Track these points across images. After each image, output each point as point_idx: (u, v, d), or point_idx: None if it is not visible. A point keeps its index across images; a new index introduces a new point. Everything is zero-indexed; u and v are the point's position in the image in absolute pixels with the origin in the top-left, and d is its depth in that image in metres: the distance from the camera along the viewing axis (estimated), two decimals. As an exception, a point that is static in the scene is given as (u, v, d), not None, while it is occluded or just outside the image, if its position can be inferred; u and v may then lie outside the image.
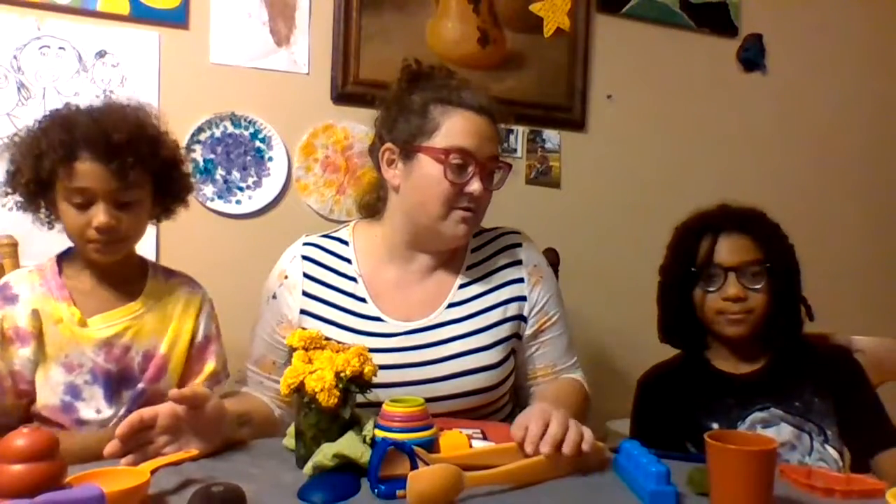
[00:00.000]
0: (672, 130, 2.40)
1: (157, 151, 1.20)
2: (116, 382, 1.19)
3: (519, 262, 1.33)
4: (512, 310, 1.29)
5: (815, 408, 1.28)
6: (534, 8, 2.20)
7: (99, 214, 1.14)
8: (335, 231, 1.37)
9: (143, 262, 1.31)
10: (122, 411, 1.18)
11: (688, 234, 1.36)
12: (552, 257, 1.84)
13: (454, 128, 1.21)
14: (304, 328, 1.22)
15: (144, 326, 1.23)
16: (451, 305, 1.28)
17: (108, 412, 1.18)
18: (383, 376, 1.07)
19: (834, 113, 2.62)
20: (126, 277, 1.25)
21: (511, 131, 2.15)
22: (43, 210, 1.21)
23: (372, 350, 1.14)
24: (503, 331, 1.28)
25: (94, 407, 1.18)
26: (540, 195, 2.23)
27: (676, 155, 2.40)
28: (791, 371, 1.31)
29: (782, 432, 1.27)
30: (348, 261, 1.31)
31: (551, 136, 2.24)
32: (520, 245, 1.35)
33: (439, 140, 1.21)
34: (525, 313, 1.30)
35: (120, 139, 1.14)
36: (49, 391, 1.16)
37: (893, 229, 2.71)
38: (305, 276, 1.29)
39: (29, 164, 1.14)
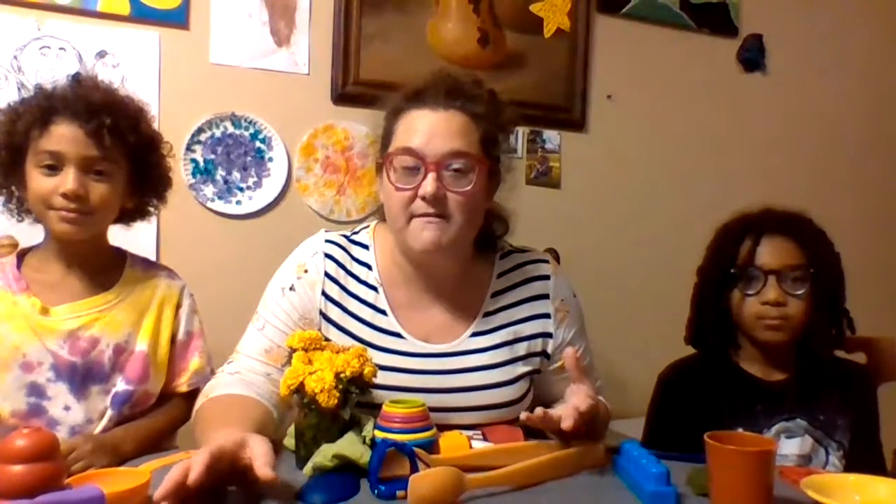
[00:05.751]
0: (672, 130, 2.40)
1: (136, 125, 1.18)
2: (83, 377, 1.15)
3: (546, 296, 1.25)
4: (536, 346, 1.23)
5: (836, 423, 1.27)
6: (534, 8, 2.20)
7: (68, 180, 1.10)
8: (354, 233, 1.27)
9: (119, 252, 1.26)
10: (111, 412, 1.15)
11: (729, 234, 1.32)
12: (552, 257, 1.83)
13: (403, 130, 1.14)
14: (323, 334, 1.14)
15: (115, 318, 1.18)
16: (475, 334, 1.21)
17: (77, 409, 1.15)
18: (397, 397, 1.05)
19: (834, 113, 2.62)
20: (98, 268, 1.20)
21: (511, 131, 2.15)
22: (15, 196, 1.19)
23: (389, 368, 1.12)
24: (524, 366, 1.22)
25: (61, 404, 1.14)
26: (540, 195, 2.22)
27: (676, 155, 2.40)
28: (819, 384, 1.28)
29: (804, 444, 1.25)
30: (368, 267, 1.21)
31: (551, 136, 2.24)
32: (548, 277, 1.26)
33: (392, 146, 1.15)
34: (549, 350, 1.24)
35: (98, 99, 1.14)
36: (10, 399, 1.12)
37: (893, 229, 2.71)
38: (327, 276, 1.19)
39: (3, 130, 1.13)
